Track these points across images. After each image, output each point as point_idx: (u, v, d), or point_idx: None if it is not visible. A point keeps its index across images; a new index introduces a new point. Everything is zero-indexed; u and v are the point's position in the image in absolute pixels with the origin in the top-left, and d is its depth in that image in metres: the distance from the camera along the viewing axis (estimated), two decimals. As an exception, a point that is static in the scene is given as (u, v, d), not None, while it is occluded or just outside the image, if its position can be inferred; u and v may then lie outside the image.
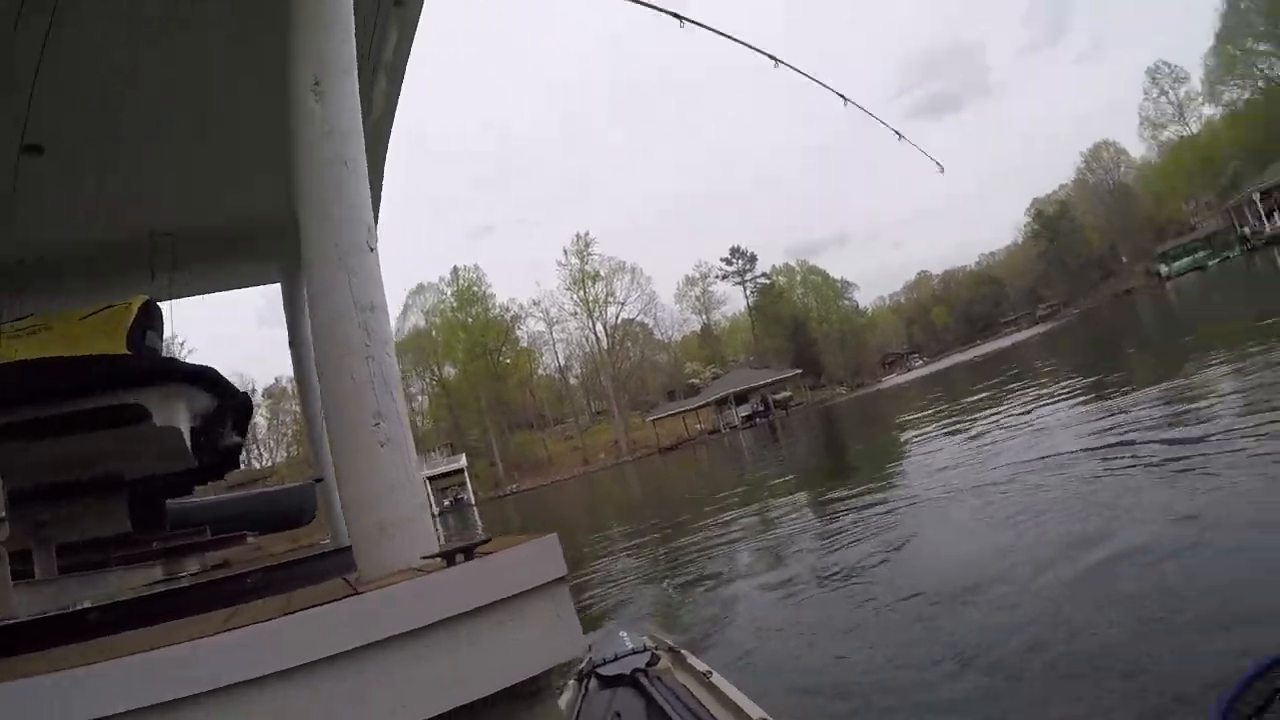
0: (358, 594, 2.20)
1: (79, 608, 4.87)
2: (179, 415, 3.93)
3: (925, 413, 21.79)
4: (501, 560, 2.25)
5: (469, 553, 2.27)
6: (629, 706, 3.14)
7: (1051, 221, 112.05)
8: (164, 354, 4.49)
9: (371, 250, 2.47)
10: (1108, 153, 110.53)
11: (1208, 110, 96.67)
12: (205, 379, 4.17)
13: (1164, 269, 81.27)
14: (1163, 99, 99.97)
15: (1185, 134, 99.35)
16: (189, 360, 4.48)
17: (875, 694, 4.38)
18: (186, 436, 3.91)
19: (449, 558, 2.25)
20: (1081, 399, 13.31)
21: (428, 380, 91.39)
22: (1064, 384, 16.85)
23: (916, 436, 16.80)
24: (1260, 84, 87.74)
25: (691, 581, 8.69)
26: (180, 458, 3.91)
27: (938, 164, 3.48)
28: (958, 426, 15.59)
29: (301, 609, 2.14)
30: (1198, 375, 11.11)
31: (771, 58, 3.31)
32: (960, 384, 30.44)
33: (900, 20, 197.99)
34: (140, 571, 4.89)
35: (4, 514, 2.45)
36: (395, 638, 2.08)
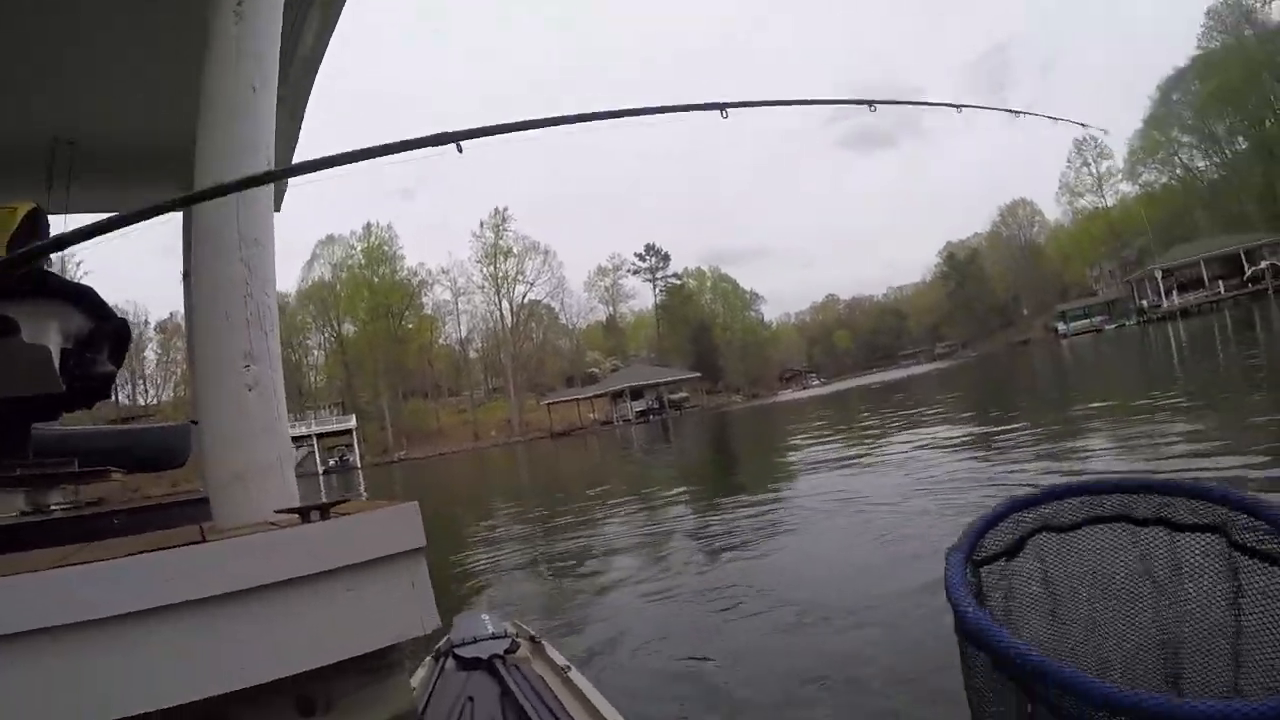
0: (204, 542, 2.09)
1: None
2: (50, 334, 3.72)
3: (815, 431, 21.98)
4: (358, 523, 2.15)
5: (325, 511, 2.17)
6: (483, 692, 2.99)
7: (961, 266, 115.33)
8: (46, 268, 4.24)
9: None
10: (1024, 210, 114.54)
11: (1125, 187, 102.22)
12: (84, 299, 3.96)
13: (1061, 326, 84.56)
14: (1085, 169, 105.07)
15: (1100, 205, 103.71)
16: (82, 281, 4.20)
17: (717, 679, 4.42)
18: (56, 357, 3.70)
19: (304, 514, 2.14)
20: (956, 436, 13.63)
21: (326, 335, 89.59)
22: (947, 420, 17.24)
23: (802, 452, 16.94)
24: (1178, 172, 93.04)
25: (564, 567, 8.61)
26: (47, 380, 3.69)
27: (1083, 124, 3.29)
28: (842, 447, 15.84)
29: (140, 552, 2.02)
30: (1076, 428, 11.45)
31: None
32: (853, 407, 30.96)
33: (840, 50, 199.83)
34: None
35: None
36: (237, 593, 1.97)
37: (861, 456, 13.37)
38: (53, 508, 5.51)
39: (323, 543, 2.06)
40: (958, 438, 13.20)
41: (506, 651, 3.40)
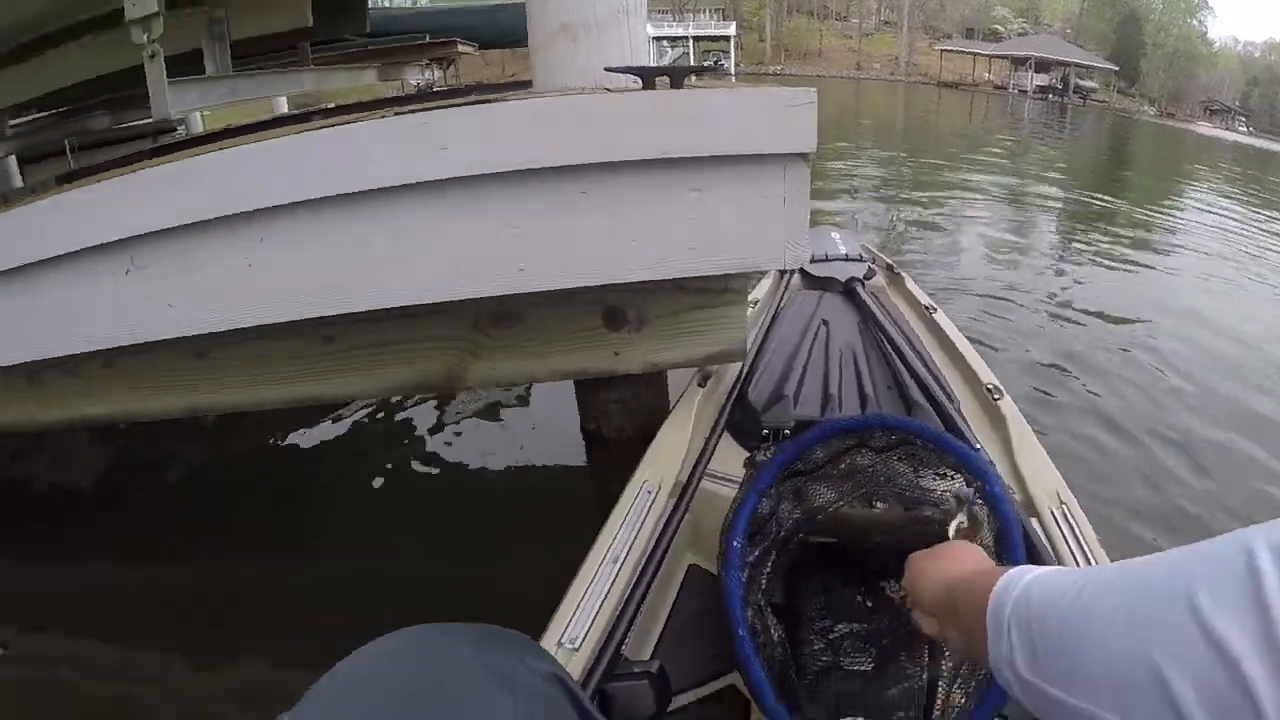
0: (501, 100, 1.55)
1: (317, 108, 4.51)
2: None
3: (1236, 184, 17.39)
4: (720, 103, 1.54)
5: (678, 79, 1.56)
6: (839, 318, 2.48)
7: None
8: None
9: None
10: None
11: None
12: None
13: None
14: None
15: None
16: None
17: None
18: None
19: (647, 79, 1.55)
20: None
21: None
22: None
23: (1212, 202, 13.30)
24: None
25: (918, 221, 7.60)
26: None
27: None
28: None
29: (438, 106, 1.59)
30: None
31: None
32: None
33: None
34: (348, 74, 4.38)
35: (160, 9, 1.93)
36: (530, 171, 1.51)
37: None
38: (434, 88, 5.39)
39: (665, 119, 1.52)
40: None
41: (865, 277, 2.84)
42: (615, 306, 1.92)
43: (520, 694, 0.66)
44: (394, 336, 1.96)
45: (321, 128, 1.58)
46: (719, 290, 1.89)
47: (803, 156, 1.55)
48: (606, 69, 1.63)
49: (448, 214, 1.52)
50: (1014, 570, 0.63)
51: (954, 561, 0.80)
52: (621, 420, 2.28)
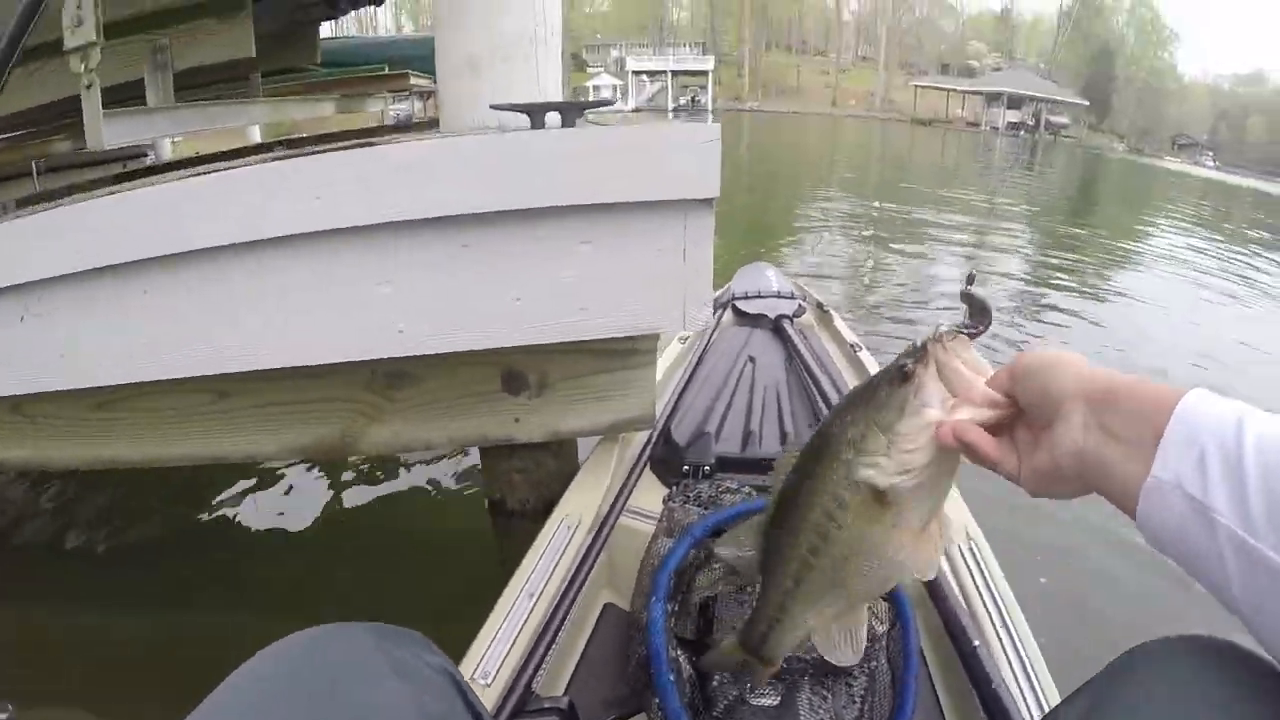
0: (369, 145, 1.43)
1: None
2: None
3: (1201, 219, 16.67)
4: (612, 143, 1.44)
5: (568, 115, 1.43)
6: (765, 353, 2.59)
7: None
8: None
9: None
10: None
11: None
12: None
13: None
14: None
15: None
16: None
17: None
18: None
19: (535, 116, 1.42)
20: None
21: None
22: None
23: (1183, 241, 12.47)
24: None
25: (884, 268, 7.34)
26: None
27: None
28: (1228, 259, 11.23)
29: (319, 150, 1.45)
30: None
31: None
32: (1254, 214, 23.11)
33: None
34: (302, 105, 4.23)
35: (98, 39, 1.93)
36: (410, 223, 1.40)
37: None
38: (414, 119, 5.26)
39: (550, 162, 1.39)
40: None
41: (794, 315, 2.95)
42: (514, 369, 1.79)
43: (416, 684, 0.71)
44: (286, 397, 1.85)
45: (198, 174, 1.48)
46: (625, 352, 1.77)
47: (706, 203, 1.42)
48: (491, 106, 1.49)
49: (319, 270, 1.42)
50: (1209, 392, 0.56)
51: (1082, 364, 0.65)
52: (526, 491, 2.15)
